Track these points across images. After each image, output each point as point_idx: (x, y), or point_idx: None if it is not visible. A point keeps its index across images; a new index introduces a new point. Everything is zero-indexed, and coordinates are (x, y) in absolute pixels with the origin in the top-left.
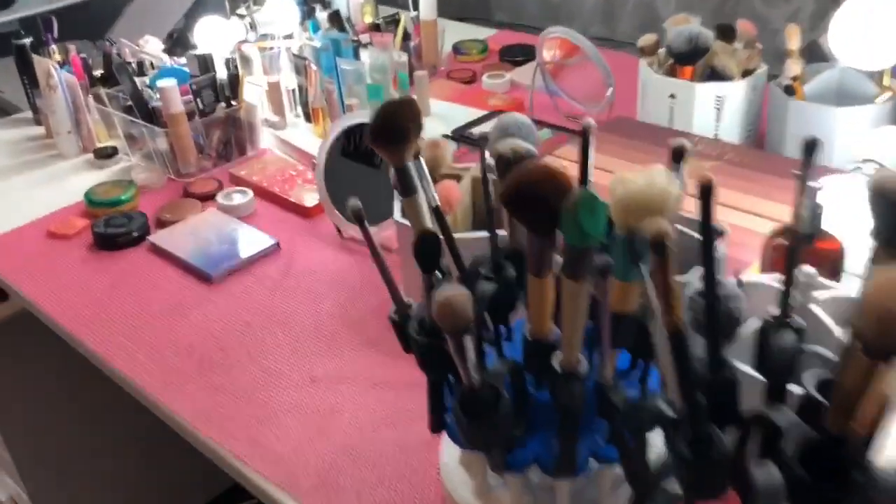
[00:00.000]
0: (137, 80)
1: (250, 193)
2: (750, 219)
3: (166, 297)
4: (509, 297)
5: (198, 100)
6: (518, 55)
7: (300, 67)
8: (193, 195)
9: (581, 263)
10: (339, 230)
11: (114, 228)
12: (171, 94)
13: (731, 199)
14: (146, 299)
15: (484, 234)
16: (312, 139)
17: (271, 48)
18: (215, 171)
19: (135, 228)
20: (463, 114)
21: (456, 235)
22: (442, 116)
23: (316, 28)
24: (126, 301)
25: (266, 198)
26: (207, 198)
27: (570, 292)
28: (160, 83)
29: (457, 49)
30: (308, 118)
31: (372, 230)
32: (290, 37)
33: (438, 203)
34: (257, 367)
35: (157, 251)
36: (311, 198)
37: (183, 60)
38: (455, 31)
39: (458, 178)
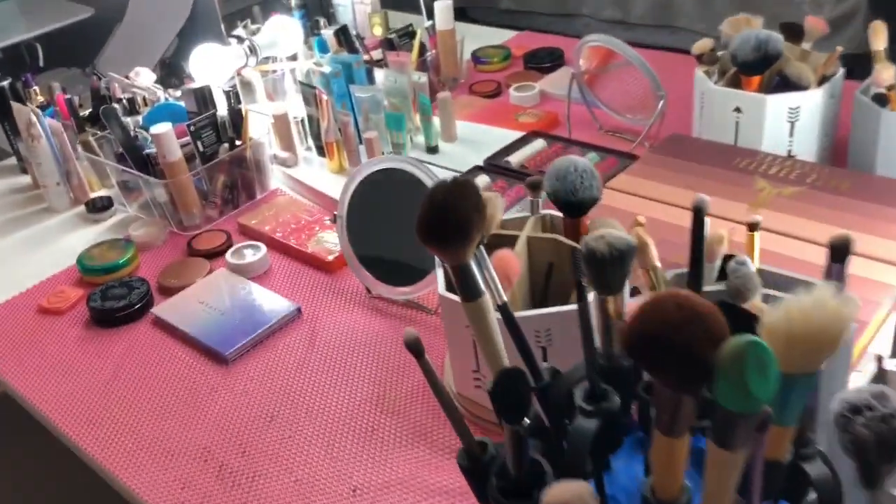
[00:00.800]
0: (129, 119)
1: (263, 249)
2: (860, 264)
3: (175, 385)
4: (614, 435)
5: (198, 142)
6: (545, 60)
7: (309, 97)
8: (199, 252)
9: (739, 430)
10: (367, 288)
11: (112, 301)
12: (167, 140)
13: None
14: (152, 388)
15: (548, 311)
16: (328, 176)
17: (274, 71)
18: (222, 221)
19: (135, 300)
20: (492, 136)
21: (519, 314)
22: (469, 141)
23: (323, 47)
24: (129, 392)
25: (280, 250)
26: (215, 254)
27: (720, 461)
28: (154, 129)
29: (477, 58)
30: (321, 152)
31: (405, 290)
32: (293, 58)
33: (505, 299)
34: (287, 475)
35: (162, 326)
36: (330, 249)
37: (178, 93)
38: (470, 36)
39: (511, 239)
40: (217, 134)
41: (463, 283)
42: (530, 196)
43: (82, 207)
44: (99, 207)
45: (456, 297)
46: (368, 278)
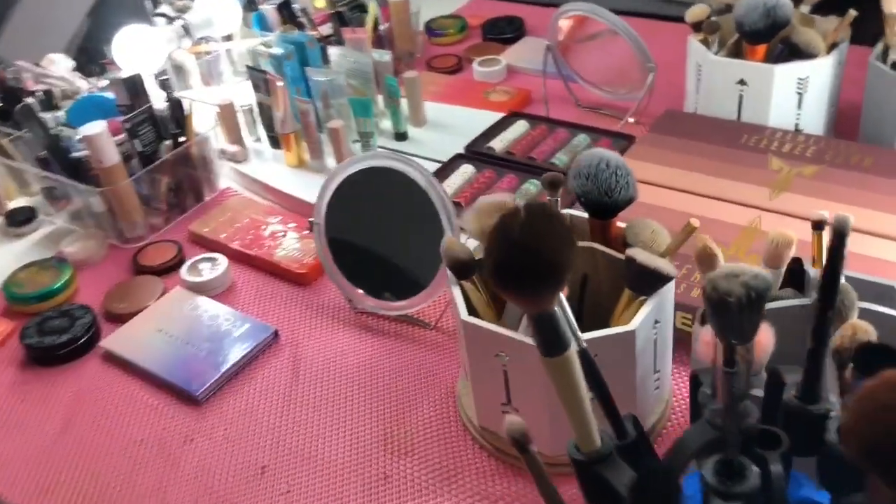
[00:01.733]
0: (48, 115)
1: (223, 262)
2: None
3: (141, 435)
4: None
5: (135, 140)
6: (505, 31)
7: (259, 83)
8: (147, 269)
9: None
10: (349, 301)
11: (52, 336)
12: (102, 143)
13: (863, 222)
14: (113, 441)
15: (596, 335)
16: (285, 171)
17: (208, 53)
18: (169, 229)
19: (80, 332)
20: (463, 118)
21: None
22: (439, 125)
23: (263, 24)
24: (84, 448)
25: (242, 261)
26: (166, 270)
27: None
28: (85, 130)
29: (430, 30)
30: (275, 144)
31: (400, 305)
32: (229, 38)
33: (584, 344)
34: None
35: (116, 361)
36: (301, 258)
37: (103, 83)
38: (419, 4)
39: None
40: (157, 130)
41: (547, 335)
42: (548, 195)
43: (1, 219)
44: (20, 220)
45: (483, 324)
46: (354, 293)
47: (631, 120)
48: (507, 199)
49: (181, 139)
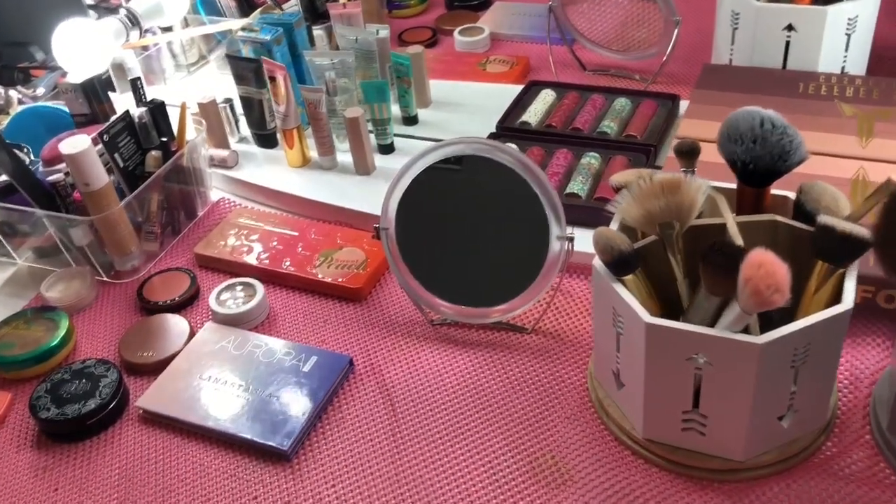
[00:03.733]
0: None
1: (258, 287)
2: None
3: None
4: None
5: (115, 155)
6: None
7: (246, 74)
8: (159, 307)
9: None
10: (425, 313)
11: (74, 405)
12: (88, 162)
13: None
14: None
15: (811, 321)
16: (288, 173)
17: (146, 48)
18: (166, 255)
19: (108, 395)
20: (470, 94)
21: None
22: (447, 104)
23: (208, 8)
24: None
25: (272, 282)
26: (183, 304)
27: None
28: (66, 148)
29: (389, 2)
30: (266, 143)
31: (497, 310)
32: (169, 29)
33: None
34: None
35: (158, 423)
36: (350, 271)
37: (37, 92)
38: None
39: (716, 230)
40: (136, 141)
41: None
42: (682, 166)
43: None
44: None
45: (678, 325)
46: (435, 303)
47: (647, 80)
48: (648, 173)
49: (166, 149)
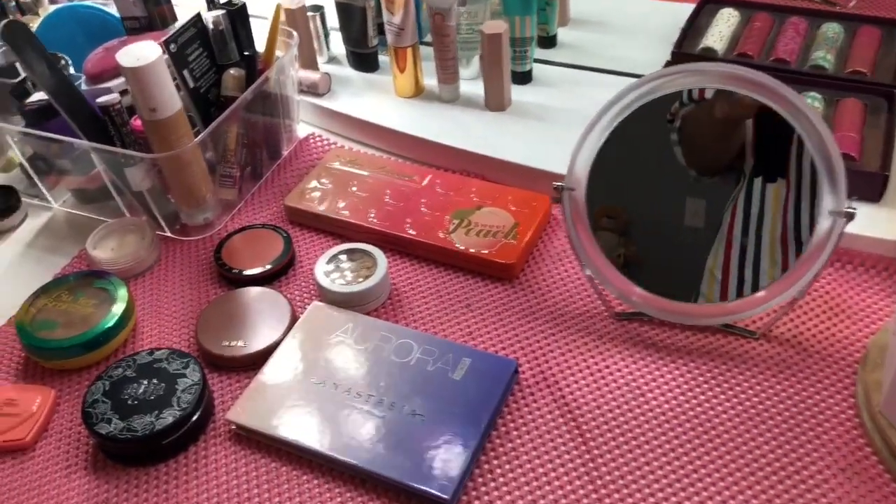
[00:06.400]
0: None
1: (378, 257)
2: None
3: None
4: None
5: (184, 72)
6: None
7: None
8: (246, 278)
9: None
10: (603, 299)
11: (144, 418)
12: (156, 78)
13: None
14: None
15: None
16: (397, 107)
17: None
18: (246, 208)
19: (191, 403)
20: (621, 11)
21: None
22: (593, 24)
23: None
24: None
25: (392, 249)
26: (273, 276)
27: None
28: (125, 58)
29: None
30: (364, 64)
31: (727, 309)
32: None
33: None
34: None
35: (254, 444)
36: (490, 238)
37: None
38: None
39: None
40: (209, 54)
41: None
42: None
43: None
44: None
45: None
46: (631, 291)
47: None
48: None
49: (251, 67)
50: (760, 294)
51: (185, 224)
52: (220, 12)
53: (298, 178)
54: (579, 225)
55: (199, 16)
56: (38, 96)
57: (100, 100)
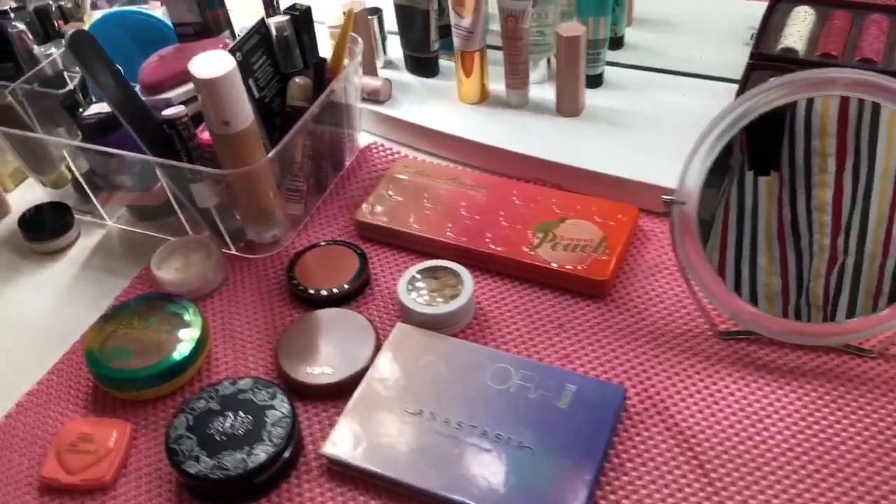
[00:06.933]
0: (39, 49)
1: (464, 276)
2: None
3: None
4: None
5: (250, 81)
6: None
7: None
8: (320, 297)
9: None
10: (708, 317)
11: (235, 455)
12: (230, 89)
13: None
14: None
15: None
16: (463, 114)
17: None
18: (313, 223)
19: (279, 436)
20: (691, 10)
21: None
22: (660, 23)
23: None
24: None
25: (473, 265)
26: (350, 297)
27: None
28: (197, 68)
29: None
30: (422, 69)
31: (848, 328)
32: None
33: None
34: None
35: (351, 481)
36: (585, 254)
37: None
38: None
39: None
40: (272, 62)
41: None
42: None
43: (12, 224)
44: (50, 227)
45: None
46: (741, 309)
47: None
48: None
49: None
50: (884, 312)
51: (250, 241)
52: (284, 18)
53: (363, 190)
54: (687, 239)
55: (262, 21)
56: (96, 109)
57: (166, 112)
